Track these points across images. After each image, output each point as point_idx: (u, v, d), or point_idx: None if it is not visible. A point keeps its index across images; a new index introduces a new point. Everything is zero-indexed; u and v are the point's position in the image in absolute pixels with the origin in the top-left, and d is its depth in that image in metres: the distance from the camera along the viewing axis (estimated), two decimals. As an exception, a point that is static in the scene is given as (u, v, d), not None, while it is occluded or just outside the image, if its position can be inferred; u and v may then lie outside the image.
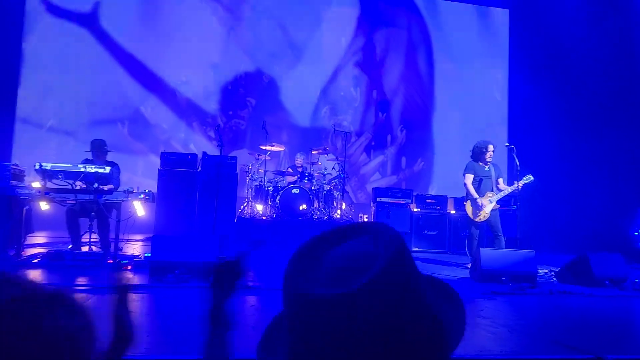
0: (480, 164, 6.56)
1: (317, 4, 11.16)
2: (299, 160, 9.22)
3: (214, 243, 5.02)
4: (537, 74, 10.58)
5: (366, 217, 9.20)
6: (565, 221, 9.08)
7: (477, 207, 6.45)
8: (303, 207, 8.25)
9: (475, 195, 6.45)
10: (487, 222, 6.51)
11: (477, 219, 6.47)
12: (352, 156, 10.68)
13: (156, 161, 8.46)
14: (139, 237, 7.43)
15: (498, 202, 6.52)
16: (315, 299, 0.67)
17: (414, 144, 11.39)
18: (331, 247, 0.74)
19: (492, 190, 6.52)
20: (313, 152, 9.22)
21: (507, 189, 6.51)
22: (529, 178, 6.54)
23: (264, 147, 8.86)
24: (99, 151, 5.94)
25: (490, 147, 6.54)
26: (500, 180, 6.63)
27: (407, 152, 11.39)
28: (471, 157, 6.70)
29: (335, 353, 0.67)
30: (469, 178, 6.57)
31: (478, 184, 6.53)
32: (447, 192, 9.88)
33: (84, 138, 9.45)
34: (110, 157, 6.16)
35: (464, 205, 6.69)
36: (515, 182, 6.48)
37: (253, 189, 8.69)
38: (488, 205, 6.42)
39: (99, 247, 5.75)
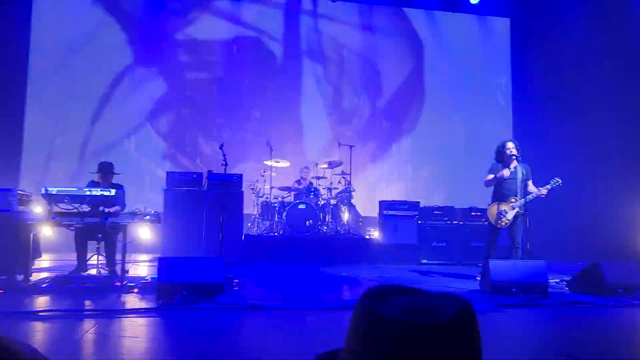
0: (507, 166, 6.16)
1: (318, 16, 11.22)
2: (304, 174, 9.22)
3: (220, 263, 5.00)
4: (540, 78, 10.57)
5: (374, 231, 9.15)
6: (575, 228, 8.98)
7: (498, 213, 6.10)
8: (309, 222, 8.24)
9: (491, 176, 6.14)
10: (507, 230, 6.16)
11: (498, 225, 6.13)
12: (358, 165, 10.66)
13: (163, 176, 8.50)
14: (146, 257, 7.45)
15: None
16: (404, 324, 0.72)
17: (420, 152, 11.38)
18: (397, 295, 0.80)
19: (517, 195, 6.11)
20: (319, 166, 9.21)
21: (534, 192, 6.08)
22: (557, 181, 6.11)
23: (268, 163, 8.87)
24: (106, 173, 5.97)
25: (509, 144, 6.17)
26: (530, 182, 6.19)
27: (413, 160, 11.37)
28: (495, 159, 6.33)
29: None
30: (490, 176, 6.23)
31: (501, 187, 6.16)
32: (453, 199, 9.84)
33: (91, 155, 9.54)
34: (116, 178, 6.19)
35: (487, 209, 6.32)
36: (548, 185, 6.08)
37: (259, 206, 8.70)
38: (510, 211, 6.07)
39: (106, 269, 5.75)
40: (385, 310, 0.75)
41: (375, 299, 0.79)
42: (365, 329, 0.76)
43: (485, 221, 8.29)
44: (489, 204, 6.35)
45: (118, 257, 5.66)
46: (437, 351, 0.72)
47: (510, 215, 6.09)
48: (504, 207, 6.12)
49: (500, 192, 6.18)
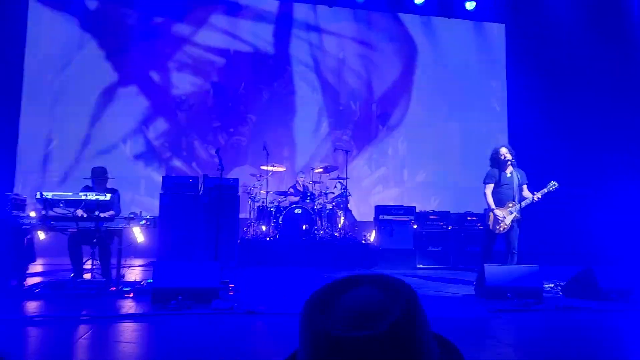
0: (503, 171, 6.19)
1: (315, 20, 11.25)
2: (301, 179, 9.23)
3: (216, 268, 5.00)
4: (535, 84, 10.63)
5: (370, 236, 9.15)
6: (569, 233, 9.02)
7: (497, 219, 6.11)
8: (305, 226, 8.25)
9: (493, 206, 6.12)
10: (504, 235, 6.16)
11: (496, 230, 6.11)
12: (354, 169, 10.68)
13: (159, 180, 8.48)
14: (141, 262, 7.42)
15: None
16: (335, 338, 0.71)
17: (416, 156, 11.40)
18: (343, 294, 0.79)
19: (514, 200, 6.12)
20: (315, 171, 9.22)
21: (529, 197, 6.09)
22: (554, 185, 6.10)
23: (265, 168, 8.87)
24: (99, 179, 5.93)
25: (502, 150, 6.19)
26: (525, 187, 6.22)
27: (409, 165, 11.40)
28: (490, 166, 6.35)
29: None
30: (489, 188, 6.20)
31: (498, 193, 6.16)
32: (449, 204, 9.88)
33: (87, 159, 9.51)
34: (111, 182, 6.16)
35: (486, 214, 6.28)
36: (544, 189, 6.08)
37: (255, 210, 8.69)
38: (508, 216, 6.07)
39: (101, 275, 5.72)
40: (325, 322, 0.74)
41: (316, 308, 0.78)
42: (308, 346, 0.75)
43: (480, 226, 8.34)
44: (487, 209, 6.33)
45: (113, 261, 5.64)
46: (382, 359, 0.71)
47: (508, 220, 6.10)
48: (502, 212, 6.13)
49: (498, 197, 6.18)
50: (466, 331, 4.03)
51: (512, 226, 6.13)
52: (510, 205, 6.13)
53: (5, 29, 9.48)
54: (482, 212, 7.46)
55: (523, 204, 6.12)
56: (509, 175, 6.21)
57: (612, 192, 8.65)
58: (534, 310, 4.96)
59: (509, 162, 6.20)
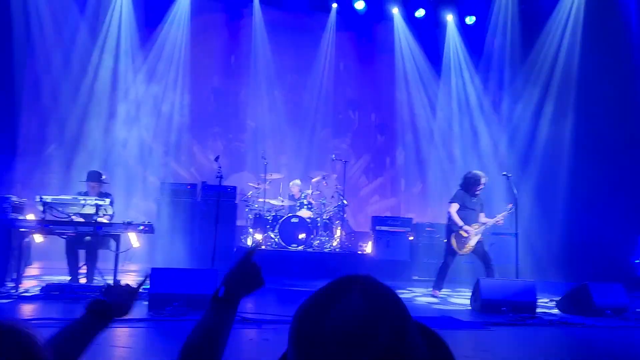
0: (472, 196, 6.45)
1: (316, 29, 11.31)
2: (296, 188, 9.20)
3: (213, 275, 5.01)
4: (535, 95, 10.66)
5: (366, 247, 9.15)
6: (565, 249, 9.02)
7: (461, 240, 6.33)
8: (302, 236, 8.24)
9: (461, 223, 6.29)
10: (474, 254, 6.43)
11: (461, 252, 6.37)
12: (351, 179, 10.69)
13: (157, 184, 8.46)
14: (138, 267, 7.40)
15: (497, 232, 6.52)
16: None
17: (414, 166, 11.41)
18: (328, 311, 0.78)
19: (477, 222, 6.42)
20: (312, 180, 9.22)
21: (489, 222, 6.43)
22: (511, 209, 6.48)
23: (262, 176, 8.87)
24: (94, 182, 5.89)
25: (483, 180, 6.42)
26: (482, 215, 6.54)
27: (407, 175, 11.42)
28: (460, 186, 6.56)
29: None
30: (455, 207, 6.41)
31: (463, 217, 6.35)
32: (446, 216, 9.88)
33: (85, 162, 9.47)
34: (106, 187, 6.13)
35: (450, 235, 6.48)
36: (504, 212, 6.51)
37: (252, 218, 8.68)
38: (474, 237, 6.33)
39: (87, 278, 5.69)
40: (314, 343, 0.76)
41: (305, 324, 0.78)
42: None
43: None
44: (451, 232, 6.45)
45: (110, 266, 5.63)
46: None
47: (473, 241, 6.34)
48: (467, 233, 6.31)
49: (464, 220, 6.34)
50: (461, 344, 4.04)
51: (476, 247, 6.36)
52: (476, 227, 6.37)
53: (6, 29, 9.49)
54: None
55: (484, 227, 6.43)
56: (475, 201, 6.48)
57: (608, 207, 8.67)
58: (529, 325, 4.98)
59: (480, 190, 6.46)
